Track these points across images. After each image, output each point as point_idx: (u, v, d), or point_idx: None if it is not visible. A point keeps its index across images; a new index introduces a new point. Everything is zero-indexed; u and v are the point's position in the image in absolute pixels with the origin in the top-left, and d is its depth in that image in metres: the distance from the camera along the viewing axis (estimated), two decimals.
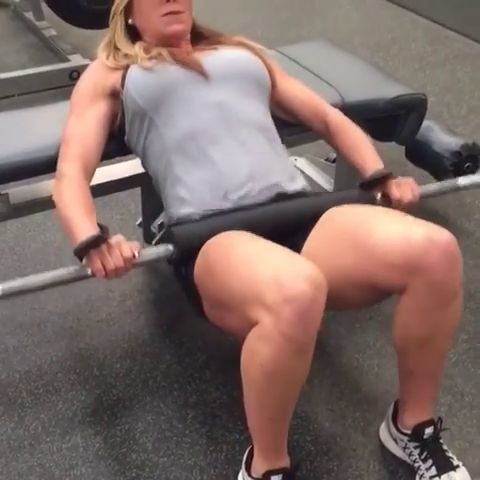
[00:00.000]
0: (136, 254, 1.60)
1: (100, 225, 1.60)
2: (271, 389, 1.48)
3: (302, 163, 2.93)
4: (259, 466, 1.62)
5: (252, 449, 1.65)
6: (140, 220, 2.43)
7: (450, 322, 1.61)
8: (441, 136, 2.49)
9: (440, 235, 1.52)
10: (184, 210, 1.75)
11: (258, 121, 1.83)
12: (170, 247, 1.69)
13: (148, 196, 2.32)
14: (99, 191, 2.15)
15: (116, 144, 1.89)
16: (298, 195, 1.80)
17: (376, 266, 1.54)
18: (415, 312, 1.56)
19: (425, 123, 2.33)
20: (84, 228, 1.59)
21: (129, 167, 2.17)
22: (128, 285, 2.37)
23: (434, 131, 2.51)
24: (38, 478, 1.77)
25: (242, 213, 1.71)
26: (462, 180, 2.01)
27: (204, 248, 1.64)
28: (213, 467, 1.79)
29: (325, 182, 2.85)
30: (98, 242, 1.55)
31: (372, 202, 1.80)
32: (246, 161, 1.75)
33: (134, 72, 1.81)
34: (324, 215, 1.72)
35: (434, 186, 2.01)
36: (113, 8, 1.90)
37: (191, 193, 1.75)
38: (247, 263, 1.51)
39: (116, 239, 1.59)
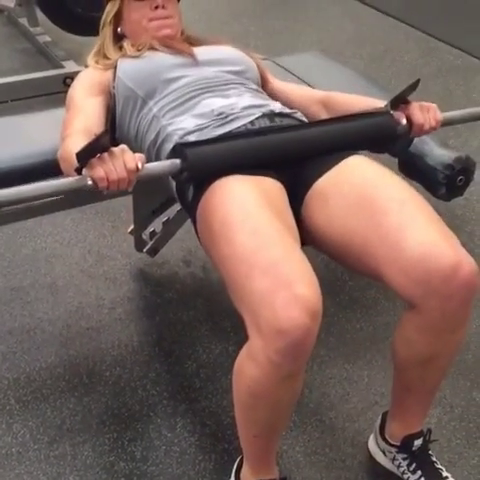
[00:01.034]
0: (140, 166, 1.46)
1: (104, 130, 1.49)
2: (257, 409, 1.46)
3: None
4: (248, 477, 1.61)
5: (242, 458, 1.64)
6: (132, 227, 2.43)
7: (456, 344, 1.56)
8: (434, 149, 2.49)
9: (466, 265, 1.44)
10: (184, 130, 1.69)
11: (250, 84, 1.84)
12: (177, 162, 1.57)
13: (140, 204, 2.32)
14: (91, 198, 2.15)
15: None
16: (294, 117, 1.75)
17: (395, 268, 1.46)
18: (423, 331, 1.50)
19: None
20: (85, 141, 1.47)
21: None
22: (119, 292, 2.36)
23: (427, 144, 2.51)
24: None
25: (254, 140, 1.63)
26: None
27: (207, 205, 1.55)
28: (202, 477, 1.78)
29: None
30: (102, 144, 1.42)
31: (395, 129, 1.71)
32: (233, 98, 1.74)
33: (124, 62, 1.86)
34: (347, 163, 1.62)
35: (457, 113, 1.92)
36: (103, 18, 1.96)
37: (181, 125, 1.70)
38: (247, 264, 1.40)
39: (120, 148, 1.46)
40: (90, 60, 1.95)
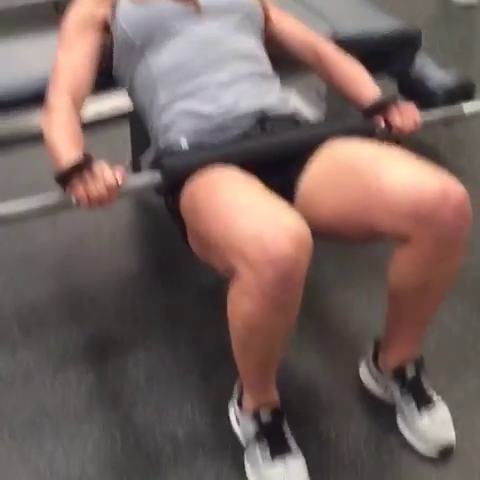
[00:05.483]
0: (120, 181, 1.52)
1: (84, 154, 1.54)
2: (254, 341, 1.49)
3: (291, 97, 2.89)
4: (248, 403, 1.65)
5: (243, 386, 1.67)
6: (129, 156, 2.40)
7: (450, 274, 1.57)
8: (434, 72, 2.45)
9: (454, 190, 1.46)
10: (170, 135, 1.72)
11: (249, 54, 1.79)
12: (157, 175, 1.64)
13: (137, 131, 2.29)
14: (87, 126, 2.12)
15: (104, 78, 1.86)
16: (288, 120, 1.75)
17: (382, 211, 1.48)
18: (416, 262, 1.52)
19: (419, 58, 2.30)
20: (67, 153, 1.53)
21: (117, 101, 2.14)
22: (118, 221, 2.36)
23: (427, 66, 2.47)
24: (32, 413, 1.79)
25: (233, 145, 1.67)
26: (467, 107, 1.90)
27: (191, 182, 1.60)
28: (204, 401, 1.82)
29: (315, 117, 2.82)
30: (80, 168, 1.49)
31: (373, 131, 1.74)
32: (233, 90, 1.71)
33: (124, 4, 1.78)
34: (325, 146, 1.66)
35: (437, 112, 1.92)
36: None
37: (176, 118, 1.71)
38: (231, 210, 1.45)
39: (99, 166, 1.52)
40: None
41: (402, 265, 1.56)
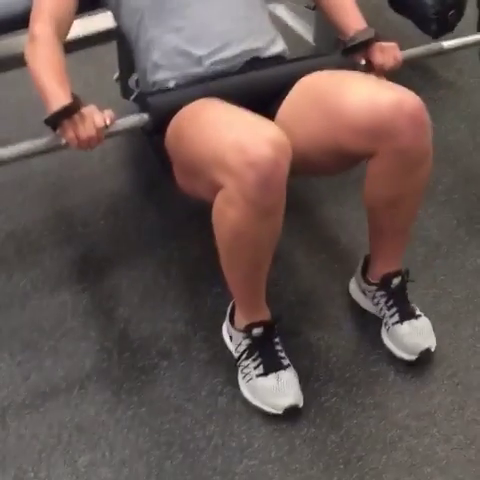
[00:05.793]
0: (108, 123, 1.57)
1: (73, 95, 1.56)
2: (241, 250, 1.53)
3: (281, 11, 2.84)
4: (241, 319, 1.69)
5: (235, 302, 1.72)
6: (117, 74, 2.38)
7: (418, 185, 1.64)
8: None
9: (408, 101, 1.51)
10: (159, 75, 1.73)
11: None
12: (145, 116, 1.67)
13: (124, 50, 2.26)
14: (74, 46, 2.09)
15: None
16: (276, 59, 1.76)
17: (344, 131, 1.54)
18: (382, 176, 1.59)
19: None
20: (57, 97, 1.55)
21: (104, 20, 2.10)
22: (108, 142, 2.33)
23: None
24: (30, 333, 1.84)
25: (217, 82, 1.69)
26: (447, 43, 1.96)
27: (177, 114, 1.63)
28: (198, 319, 1.87)
29: (305, 30, 2.79)
30: (70, 111, 1.52)
31: (354, 68, 1.76)
32: (221, 26, 1.71)
33: None
34: (299, 81, 1.69)
35: (418, 50, 1.95)
36: None
37: (165, 58, 1.72)
38: (212, 126, 1.52)
39: (89, 109, 1.56)
40: None
41: (373, 180, 1.62)
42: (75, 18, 1.81)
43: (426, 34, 2.30)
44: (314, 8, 2.63)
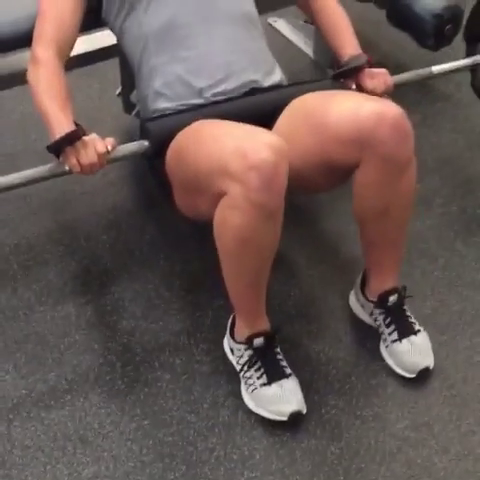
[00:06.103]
0: (109, 149, 1.62)
1: (76, 123, 1.61)
2: (244, 256, 1.57)
3: (282, 25, 2.88)
4: (242, 331, 1.72)
5: (235, 316, 1.75)
6: (119, 89, 2.41)
7: (405, 194, 1.67)
8: None
9: (389, 110, 1.57)
10: (160, 105, 1.77)
11: (240, 12, 1.82)
12: (145, 143, 1.72)
13: (127, 66, 2.29)
14: (77, 62, 2.12)
15: (93, 16, 1.86)
16: (274, 88, 1.80)
17: (330, 142, 1.61)
18: (369, 186, 1.63)
19: None
20: (59, 123, 1.60)
21: (107, 37, 2.13)
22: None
23: None
24: (34, 345, 1.86)
25: (216, 107, 1.73)
26: (436, 68, 2.06)
27: (176, 136, 1.68)
28: (199, 332, 1.89)
29: (304, 44, 2.82)
30: (73, 139, 1.57)
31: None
32: (223, 58, 1.75)
33: None
34: (291, 102, 1.75)
35: (408, 75, 2.03)
36: None
37: (166, 87, 1.76)
38: (212, 138, 1.58)
39: (91, 136, 1.61)
40: None
41: (361, 191, 1.67)
42: (78, 35, 1.85)
43: (424, 48, 2.33)
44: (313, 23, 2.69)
